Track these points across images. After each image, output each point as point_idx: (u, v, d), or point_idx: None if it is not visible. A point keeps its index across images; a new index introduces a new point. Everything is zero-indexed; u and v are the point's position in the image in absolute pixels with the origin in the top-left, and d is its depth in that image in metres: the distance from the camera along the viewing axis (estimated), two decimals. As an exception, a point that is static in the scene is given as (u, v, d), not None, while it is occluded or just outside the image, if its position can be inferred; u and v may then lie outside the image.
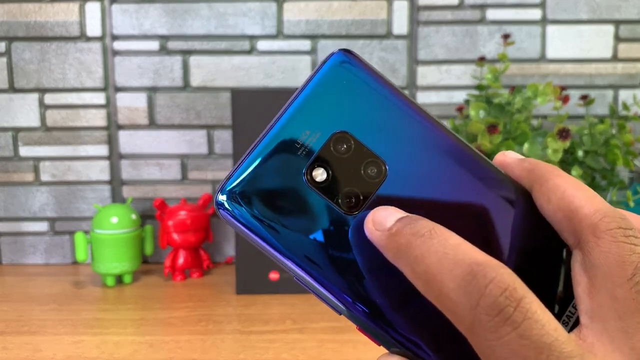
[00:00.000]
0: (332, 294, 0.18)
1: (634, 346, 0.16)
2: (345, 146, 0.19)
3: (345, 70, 0.20)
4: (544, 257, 0.19)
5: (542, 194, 0.19)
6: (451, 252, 0.16)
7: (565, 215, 0.18)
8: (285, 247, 0.19)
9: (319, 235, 0.19)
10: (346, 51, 0.20)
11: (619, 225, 0.17)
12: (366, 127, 0.19)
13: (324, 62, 0.20)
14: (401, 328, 0.18)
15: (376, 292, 0.18)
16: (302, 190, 0.19)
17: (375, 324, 0.18)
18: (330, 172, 0.19)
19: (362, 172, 0.19)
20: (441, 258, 0.16)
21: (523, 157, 0.21)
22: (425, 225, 0.17)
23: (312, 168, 0.19)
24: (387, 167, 0.19)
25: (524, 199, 0.20)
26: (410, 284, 0.18)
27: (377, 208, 0.18)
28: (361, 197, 0.19)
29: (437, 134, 0.20)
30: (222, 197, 0.19)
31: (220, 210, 0.19)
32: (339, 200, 0.19)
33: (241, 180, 0.19)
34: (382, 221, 0.18)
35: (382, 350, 0.19)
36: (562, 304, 0.18)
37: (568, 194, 0.18)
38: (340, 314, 0.19)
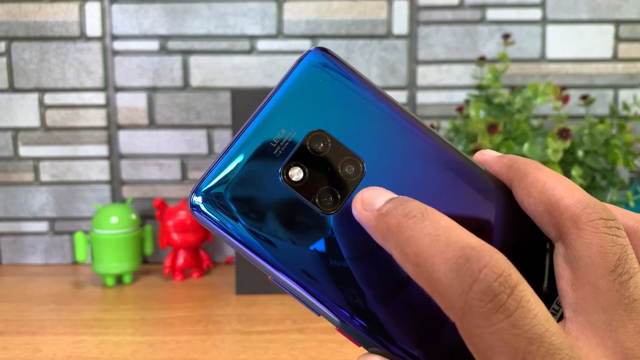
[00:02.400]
0: (309, 294, 0.18)
1: (618, 339, 0.15)
2: (322, 145, 0.19)
3: (321, 68, 0.20)
4: (525, 253, 0.19)
5: (522, 188, 0.18)
6: (443, 235, 0.15)
7: (546, 208, 0.18)
8: (261, 247, 0.18)
9: (295, 235, 0.18)
10: (322, 49, 0.20)
11: (601, 216, 0.16)
12: (343, 126, 0.19)
13: (299, 60, 0.20)
14: (380, 327, 0.18)
15: (354, 290, 0.18)
16: (278, 189, 0.19)
17: (352, 325, 0.18)
18: (307, 171, 0.19)
19: (340, 170, 0.19)
20: (433, 240, 0.15)
21: (501, 154, 0.20)
22: (417, 206, 0.16)
23: (288, 167, 0.19)
24: (365, 166, 0.19)
25: (504, 195, 0.19)
26: (392, 279, 0.17)
27: (366, 188, 0.18)
28: (339, 196, 0.19)
29: (415, 132, 0.20)
30: (197, 199, 0.18)
31: (195, 211, 0.18)
32: (317, 200, 0.19)
33: (216, 181, 0.18)
34: (371, 201, 0.17)
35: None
36: (545, 302, 0.18)
37: (548, 187, 0.18)
38: (319, 315, 0.19)
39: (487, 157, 0.20)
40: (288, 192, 0.19)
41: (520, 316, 0.14)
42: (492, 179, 0.20)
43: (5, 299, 0.67)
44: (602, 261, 0.16)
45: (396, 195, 0.17)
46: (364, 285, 0.18)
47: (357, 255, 0.18)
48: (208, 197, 0.18)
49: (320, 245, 0.18)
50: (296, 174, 0.19)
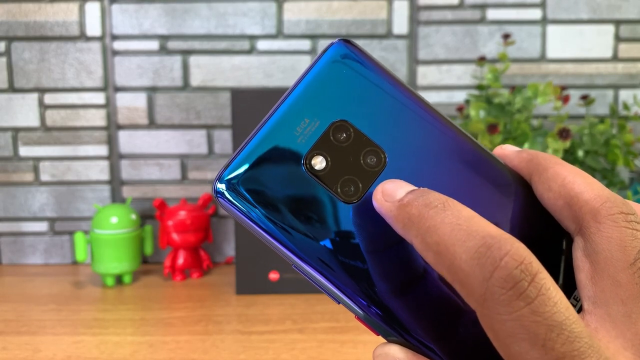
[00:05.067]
0: (328, 281, 0.18)
1: (637, 331, 0.16)
2: (344, 135, 0.19)
3: (344, 60, 0.20)
4: (544, 247, 0.19)
5: (542, 182, 0.19)
6: (465, 224, 0.15)
7: (566, 202, 0.18)
8: (283, 235, 0.19)
9: (316, 223, 0.19)
10: (346, 41, 0.20)
11: (621, 210, 0.17)
12: (366, 116, 0.19)
13: (324, 51, 0.20)
14: (399, 317, 0.18)
15: (374, 279, 0.18)
16: (301, 178, 0.19)
17: (370, 314, 0.18)
18: (329, 160, 0.19)
19: (362, 160, 0.19)
20: (454, 229, 0.15)
21: (521, 149, 0.21)
22: (438, 197, 0.16)
23: (311, 156, 0.19)
24: (386, 156, 0.19)
25: (523, 189, 0.20)
26: (413, 270, 0.18)
27: (385, 181, 0.18)
28: (360, 186, 0.19)
29: (437, 125, 0.20)
30: (221, 186, 0.19)
31: (219, 198, 0.19)
32: (338, 189, 0.19)
33: (240, 168, 0.19)
34: (392, 193, 0.18)
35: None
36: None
37: (568, 181, 0.18)
38: (339, 303, 0.19)
39: (507, 151, 0.21)
40: (310, 181, 0.19)
41: (541, 303, 0.14)
42: (512, 173, 0.20)
43: (5, 299, 0.67)
44: (621, 254, 0.16)
45: (416, 187, 0.18)
46: (383, 275, 0.18)
47: (378, 245, 0.18)
48: (231, 184, 0.19)
49: (340, 234, 0.19)
50: (319, 162, 0.19)
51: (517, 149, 0.21)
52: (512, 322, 0.14)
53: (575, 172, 0.18)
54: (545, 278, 0.14)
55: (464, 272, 0.15)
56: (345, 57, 0.20)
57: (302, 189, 0.19)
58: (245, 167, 0.19)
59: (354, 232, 0.19)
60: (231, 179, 0.19)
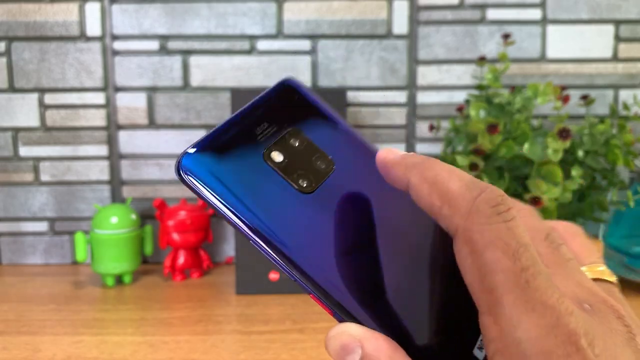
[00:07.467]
0: (280, 256, 0.20)
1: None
2: (298, 141, 0.22)
3: (293, 89, 0.24)
4: (430, 251, 0.21)
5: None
6: (457, 170, 0.19)
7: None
8: (241, 209, 0.20)
9: (273, 204, 0.20)
10: (292, 80, 0.24)
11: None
12: (314, 131, 0.23)
13: (275, 85, 0.23)
14: (347, 299, 0.19)
15: (318, 258, 0.20)
16: (260, 166, 0.21)
17: (319, 292, 0.19)
18: (285, 157, 0.21)
19: (313, 162, 0.22)
20: (450, 170, 0.19)
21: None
22: (435, 160, 0.19)
23: (269, 151, 0.21)
24: (334, 162, 0.22)
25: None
26: (352, 243, 0.20)
27: (387, 149, 0.21)
28: (312, 180, 0.21)
29: (361, 145, 0.24)
30: (186, 161, 0.20)
31: (182, 172, 0.20)
32: (294, 179, 0.21)
33: (205, 148, 0.20)
34: (396, 151, 0.21)
35: None
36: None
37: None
38: (295, 281, 0.20)
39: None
40: (268, 170, 0.21)
41: (514, 225, 0.17)
42: None
43: (5, 299, 0.67)
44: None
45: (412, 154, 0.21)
46: (325, 253, 0.20)
47: (329, 231, 0.20)
48: (196, 160, 0.20)
49: (293, 218, 0.20)
50: (276, 157, 0.21)
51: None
52: (489, 231, 0.17)
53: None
54: (516, 215, 0.17)
55: (454, 194, 0.18)
56: (294, 86, 0.23)
57: (260, 175, 0.21)
58: (210, 147, 0.20)
59: (308, 218, 0.20)
60: (196, 156, 0.20)
